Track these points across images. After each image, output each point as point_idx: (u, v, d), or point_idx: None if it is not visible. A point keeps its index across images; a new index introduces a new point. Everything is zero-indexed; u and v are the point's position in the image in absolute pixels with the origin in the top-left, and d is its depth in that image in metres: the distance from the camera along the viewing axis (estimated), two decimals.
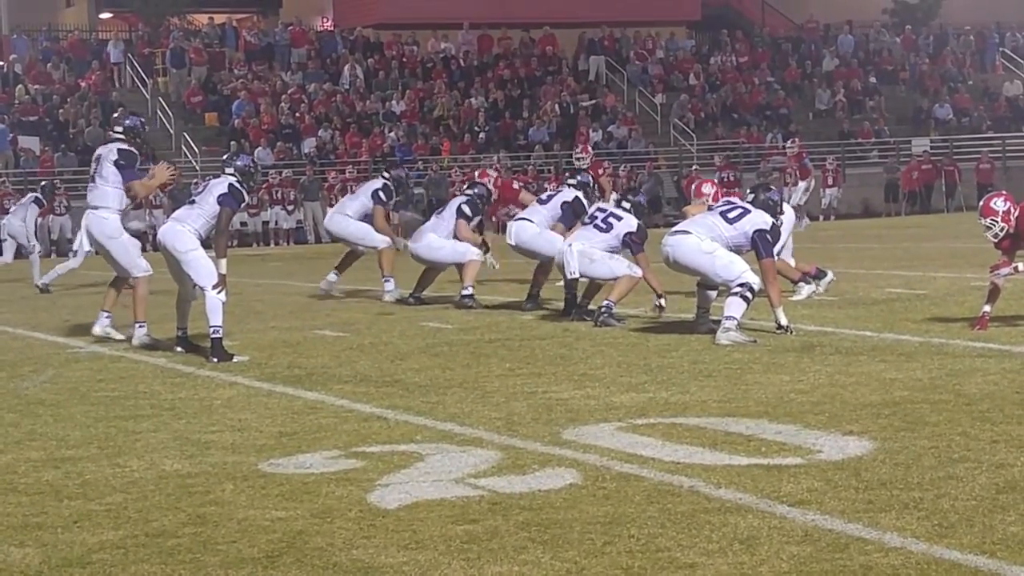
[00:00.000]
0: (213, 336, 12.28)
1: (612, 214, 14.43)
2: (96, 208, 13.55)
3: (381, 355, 12.40)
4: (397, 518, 6.47)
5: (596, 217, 14.58)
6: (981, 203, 12.58)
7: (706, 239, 12.58)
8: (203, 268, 12.44)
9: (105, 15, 56.24)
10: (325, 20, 57.27)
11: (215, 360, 12.14)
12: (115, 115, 14.56)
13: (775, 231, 12.91)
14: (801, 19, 57.50)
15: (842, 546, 5.77)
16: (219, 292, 12.26)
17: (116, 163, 13.45)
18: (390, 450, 8.05)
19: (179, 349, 12.93)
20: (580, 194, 16.27)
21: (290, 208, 41.00)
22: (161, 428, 9.12)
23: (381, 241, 17.94)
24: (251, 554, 5.97)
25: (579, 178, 16.85)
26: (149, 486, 7.36)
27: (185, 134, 43.93)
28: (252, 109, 45.20)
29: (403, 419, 9.12)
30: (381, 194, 18.03)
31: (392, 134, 45.24)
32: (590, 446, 7.98)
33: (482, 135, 47.07)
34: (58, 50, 48.08)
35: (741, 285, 12.35)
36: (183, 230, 12.62)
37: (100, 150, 13.78)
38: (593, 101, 49.26)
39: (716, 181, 20.87)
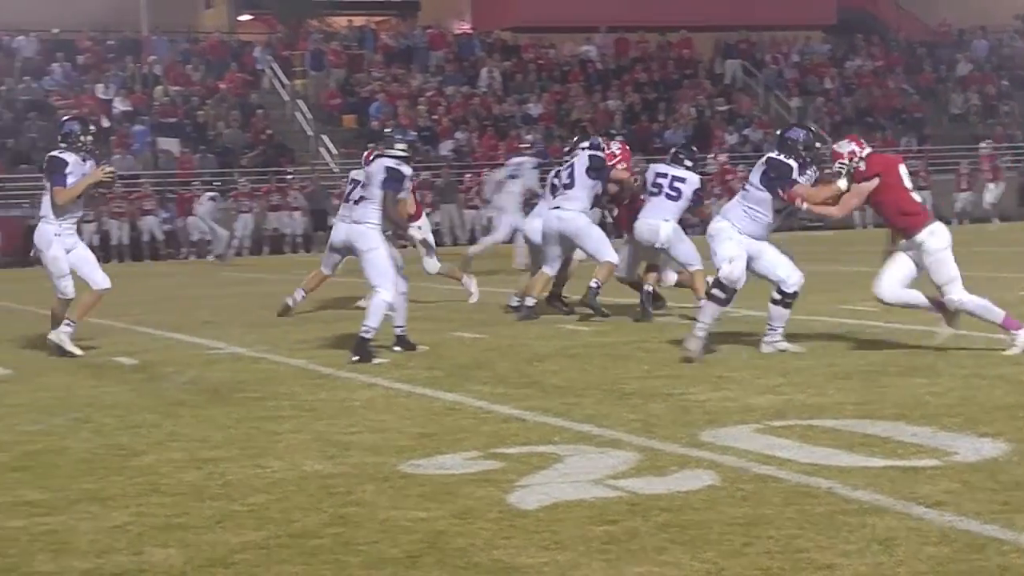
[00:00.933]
0: (362, 334, 12.39)
1: (675, 178, 14.46)
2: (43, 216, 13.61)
3: (519, 357, 12.44)
4: (537, 519, 6.47)
5: (662, 186, 14.57)
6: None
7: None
8: (378, 268, 12.54)
9: (244, 17, 56.98)
10: (463, 23, 57.54)
11: (355, 359, 12.25)
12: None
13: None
14: (934, 23, 56.86)
15: (979, 547, 5.71)
16: (388, 293, 12.43)
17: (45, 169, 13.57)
18: (529, 451, 8.06)
19: (396, 349, 13.06)
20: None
21: (427, 211, 41.23)
22: (302, 429, 9.20)
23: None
24: (393, 554, 6.00)
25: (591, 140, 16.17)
26: (290, 487, 7.42)
27: (323, 136, 44.36)
28: (390, 111, 45.54)
29: (541, 420, 9.13)
30: None
31: (529, 136, 45.34)
32: (728, 448, 7.95)
33: (619, 138, 47.04)
34: (197, 52, 48.77)
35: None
36: (366, 229, 12.71)
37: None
38: (728, 106, 49.07)
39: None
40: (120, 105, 44.54)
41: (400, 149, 12.98)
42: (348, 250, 13.08)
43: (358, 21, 54.75)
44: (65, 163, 13.26)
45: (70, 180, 13.20)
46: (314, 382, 11.39)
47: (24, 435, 9.34)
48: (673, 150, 15.64)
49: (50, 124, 42.36)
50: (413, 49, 50.34)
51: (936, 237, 11.62)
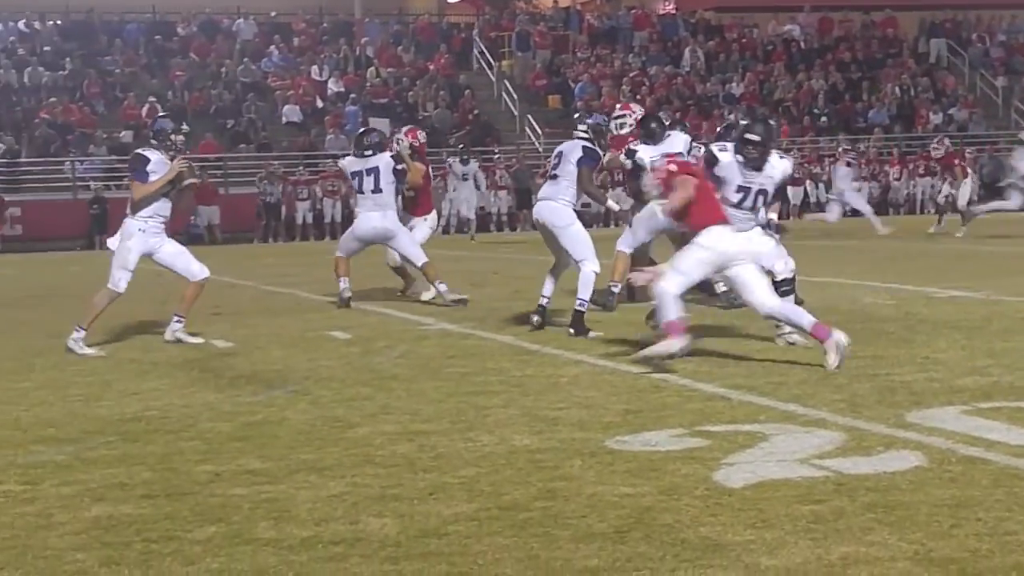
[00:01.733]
0: (577, 308, 12.56)
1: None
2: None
3: (722, 335, 12.45)
4: (743, 497, 6.52)
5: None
6: None
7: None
8: (580, 242, 12.73)
9: None
10: (667, 3, 57.37)
11: (572, 332, 12.42)
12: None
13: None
14: None
15: None
16: (595, 265, 12.57)
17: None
18: (734, 430, 8.10)
19: (535, 319, 13.21)
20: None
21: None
22: (510, 404, 9.34)
23: None
24: (601, 529, 6.07)
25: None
26: (500, 460, 7.54)
27: (529, 116, 44.63)
28: (594, 91, 45.65)
29: (746, 399, 9.16)
30: None
31: (731, 116, 45.08)
32: (935, 429, 7.91)
33: (823, 118, 46.58)
34: (408, 34, 49.36)
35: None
36: (558, 206, 12.92)
37: None
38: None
39: None
40: (334, 86, 45.34)
41: (581, 131, 13.24)
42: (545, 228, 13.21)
43: (564, 2, 54.94)
44: (147, 160, 13.10)
45: (152, 179, 13.07)
46: (521, 358, 11.53)
47: (245, 406, 9.63)
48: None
49: (268, 105, 43.35)
50: (617, 30, 50.34)
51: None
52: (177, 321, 13.47)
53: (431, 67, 46.93)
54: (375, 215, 15.98)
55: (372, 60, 47.00)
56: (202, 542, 6.10)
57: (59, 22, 46.88)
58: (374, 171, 15.91)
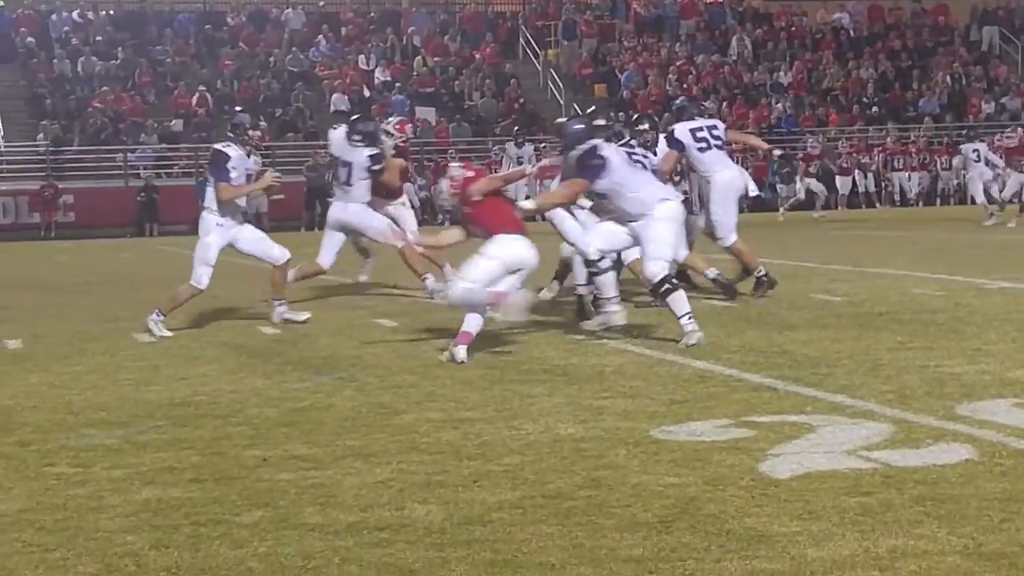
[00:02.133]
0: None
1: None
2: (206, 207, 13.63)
3: (768, 326, 12.41)
4: (789, 488, 6.48)
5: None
6: None
7: None
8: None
9: None
10: None
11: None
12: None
13: None
14: None
15: None
16: None
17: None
18: (780, 420, 8.06)
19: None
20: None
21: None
22: (554, 392, 9.33)
23: None
24: (645, 518, 6.06)
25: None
26: (544, 449, 7.53)
27: (575, 104, 44.56)
28: (640, 80, 45.57)
29: (793, 390, 9.12)
30: None
31: (779, 105, 44.96)
32: (985, 421, 7.84)
33: (873, 107, 46.38)
34: (455, 23, 49.43)
35: None
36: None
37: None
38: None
39: None
40: (381, 75, 45.44)
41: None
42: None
43: None
44: (228, 157, 13.16)
45: (233, 175, 13.17)
46: (566, 347, 11.52)
47: (292, 392, 9.68)
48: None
49: (316, 94, 43.49)
50: (664, 18, 50.24)
51: None
52: (279, 305, 13.74)
53: (477, 56, 46.96)
54: (338, 206, 15.78)
55: (419, 49, 47.09)
56: (249, 526, 6.13)
57: (112, 12, 47.32)
58: (348, 165, 15.63)
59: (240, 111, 13.90)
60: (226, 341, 12.50)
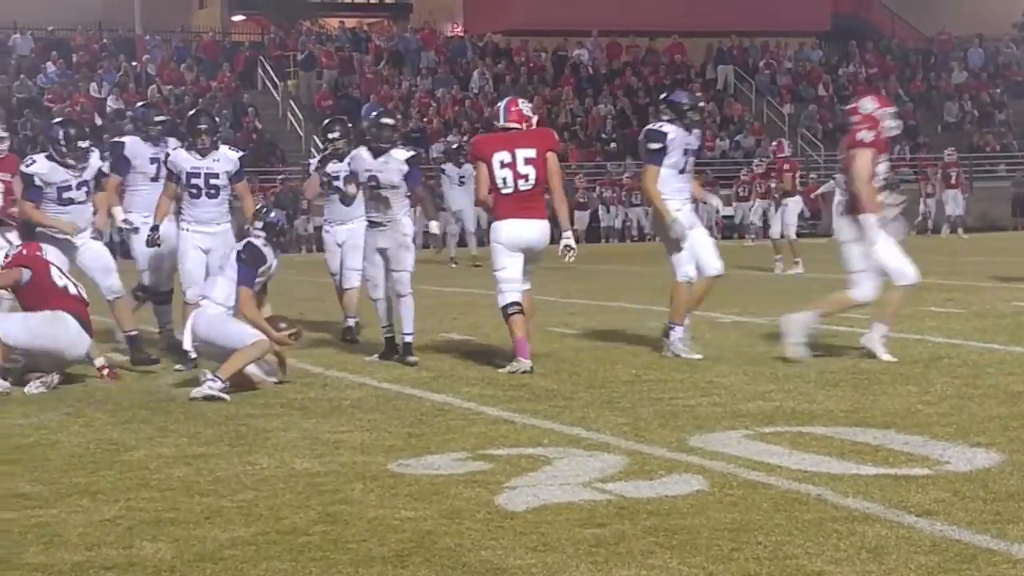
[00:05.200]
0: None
1: None
2: None
3: (506, 359, 12.44)
4: (525, 520, 6.49)
5: None
6: None
7: None
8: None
9: (238, 17, 57.05)
10: (455, 26, 57.67)
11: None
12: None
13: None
14: (931, 31, 57.03)
15: (970, 557, 5.72)
16: None
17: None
18: (517, 453, 8.08)
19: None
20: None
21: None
22: (291, 427, 9.23)
23: None
24: (381, 553, 6.02)
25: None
26: (279, 484, 7.45)
27: (314, 136, 44.40)
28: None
29: (530, 423, 9.15)
30: None
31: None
32: (717, 453, 7.97)
33: (611, 143, 47.21)
34: (191, 51, 48.85)
35: None
36: None
37: None
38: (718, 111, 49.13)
39: None
40: (113, 103, 44.57)
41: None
42: None
43: (350, 23, 54.87)
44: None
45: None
46: (304, 380, 11.40)
47: (15, 428, 9.39)
48: None
49: (44, 122, 42.38)
50: (405, 51, 50.43)
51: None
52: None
53: (214, 85, 46.46)
54: None
55: (153, 78, 46.37)
56: None
57: None
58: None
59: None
60: None
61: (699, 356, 12.18)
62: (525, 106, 12.31)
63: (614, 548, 5.99)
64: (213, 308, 11.09)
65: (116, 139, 13.53)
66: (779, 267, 24.30)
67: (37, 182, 12.20)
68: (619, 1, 54.18)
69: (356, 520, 6.60)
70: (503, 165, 11.85)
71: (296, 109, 45.90)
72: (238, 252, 11.27)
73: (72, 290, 11.50)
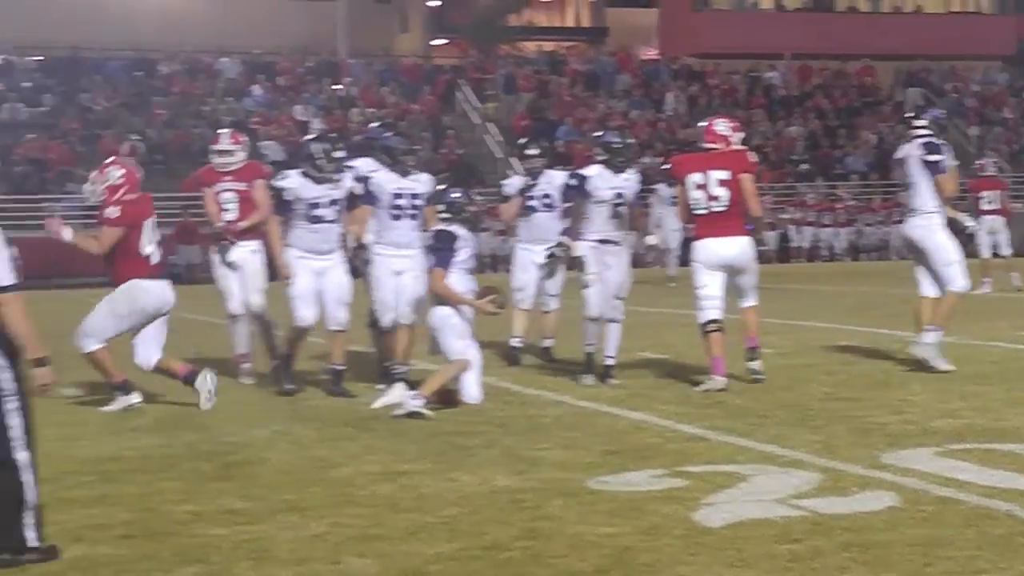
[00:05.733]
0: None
1: None
2: None
3: (702, 377, 12.46)
4: (722, 536, 6.58)
5: None
6: None
7: None
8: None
9: (439, 41, 57.69)
10: (650, 49, 57.72)
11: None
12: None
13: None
14: None
15: None
16: None
17: None
18: (713, 470, 8.16)
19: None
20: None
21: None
22: (492, 444, 9.39)
23: None
24: (582, 568, 6.12)
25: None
26: (482, 500, 7.59)
27: (511, 158, 44.76)
28: (577, 134, 45.86)
29: (725, 440, 9.23)
30: None
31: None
32: (908, 469, 8.00)
33: (802, 164, 46.96)
34: (393, 75, 49.55)
35: None
36: None
37: None
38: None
39: None
40: (317, 126, 45.38)
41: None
42: None
43: (548, 46, 55.21)
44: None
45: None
46: (504, 399, 11.57)
47: (225, 446, 9.66)
48: None
49: (250, 144, 43.27)
50: (600, 74, 50.63)
51: None
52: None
53: (415, 108, 47.07)
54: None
55: (356, 100, 47.11)
56: None
57: (40, 58, 46.70)
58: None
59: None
60: (156, 394, 12.28)
61: (950, 367, 12.25)
62: (723, 126, 12.37)
63: (809, 564, 6.05)
64: (443, 310, 11.34)
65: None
66: (987, 287, 23.79)
67: (287, 196, 12.19)
68: (811, 25, 54.14)
69: (557, 536, 6.71)
70: (697, 187, 11.99)
71: (494, 132, 46.30)
72: (427, 243, 11.53)
73: (154, 259, 11.59)
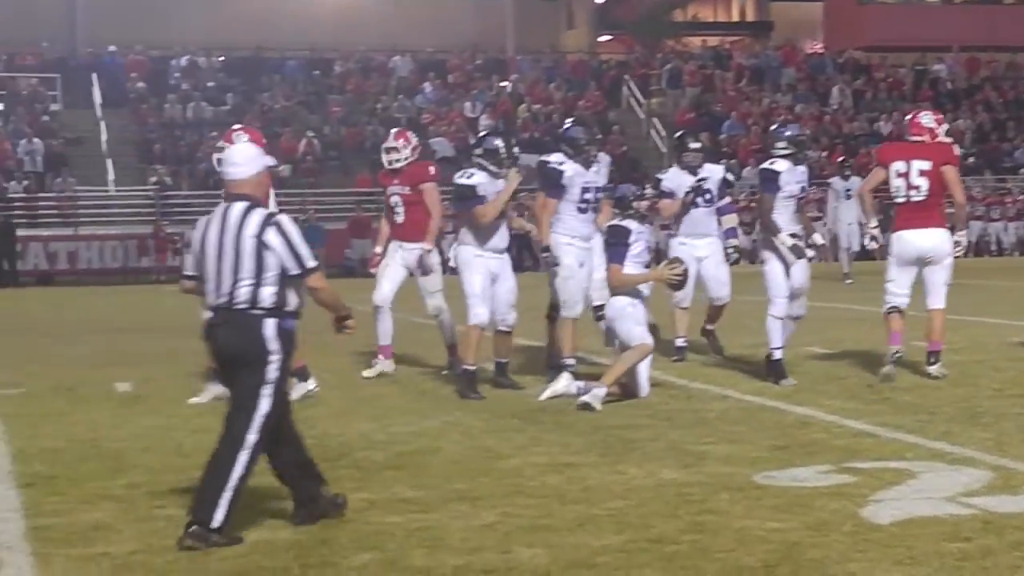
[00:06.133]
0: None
1: None
2: None
3: (869, 372, 12.42)
4: (891, 534, 6.57)
5: None
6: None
7: None
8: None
9: (605, 37, 57.73)
10: (815, 43, 57.21)
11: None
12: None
13: None
14: None
15: None
16: None
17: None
18: (882, 466, 8.13)
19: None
20: None
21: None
22: (658, 437, 9.43)
23: None
24: (749, 563, 6.16)
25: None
26: (648, 493, 7.64)
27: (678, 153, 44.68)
28: (742, 129, 45.66)
29: (894, 436, 9.18)
30: None
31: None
32: None
33: (970, 158, 46.26)
34: (559, 71, 49.77)
35: None
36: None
37: None
38: None
39: None
40: (485, 122, 45.72)
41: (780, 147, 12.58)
42: None
43: (712, 41, 54.98)
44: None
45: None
46: (669, 392, 11.61)
47: (398, 435, 9.83)
48: None
49: (421, 141, 43.72)
50: (765, 68, 50.33)
51: None
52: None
53: (581, 103, 47.19)
54: None
55: (523, 97, 47.38)
56: (358, 568, 6.28)
57: (223, 58, 47.83)
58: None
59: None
60: (332, 385, 12.54)
61: None
62: (928, 118, 12.42)
63: (980, 563, 6.02)
64: (620, 300, 11.40)
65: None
66: None
67: (480, 192, 11.99)
68: (979, 17, 53.25)
69: (723, 530, 6.75)
70: (898, 175, 12.02)
71: (659, 127, 46.25)
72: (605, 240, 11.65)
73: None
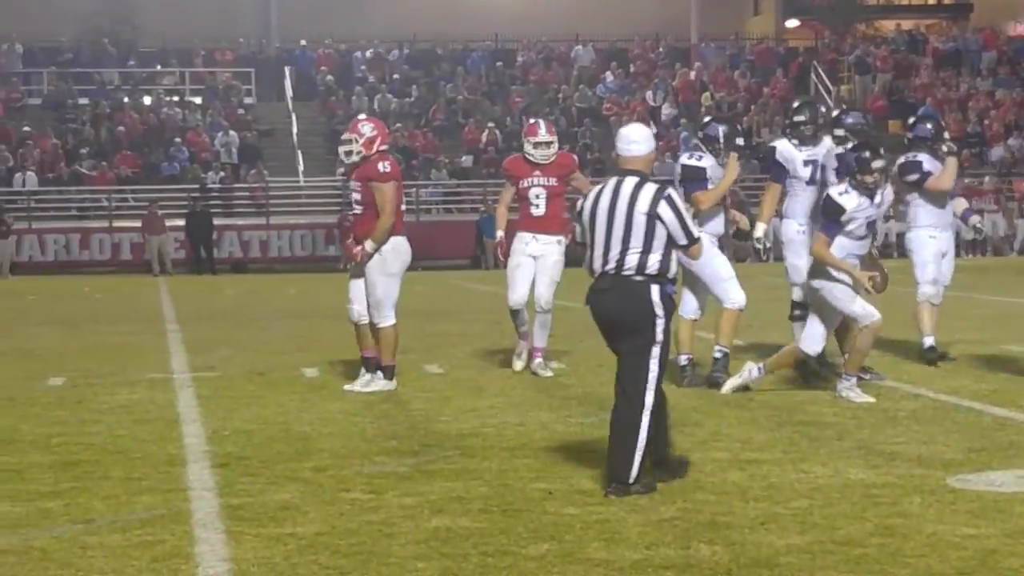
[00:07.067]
0: None
1: None
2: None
3: None
4: None
5: None
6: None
7: None
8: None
9: (792, 23, 57.04)
10: (1018, 24, 55.81)
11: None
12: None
13: None
14: None
15: None
16: None
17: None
18: None
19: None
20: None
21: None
22: (844, 436, 9.19)
23: None
24: (941, 570, 5.93)
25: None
26: (834, 493, 7.43)
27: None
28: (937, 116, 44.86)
29: None
30: None
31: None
32: None
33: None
34: (744, 58, 49.35)
35: None
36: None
37: None
38: None
39: None
40: (667, 111, 45.50)
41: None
42: None
43: (906, 24, 53.94)
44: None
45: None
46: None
47: (577, 426, 9.76)
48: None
49: (602, 130, 43.73)
50: (963, 52, 49.25)
51: None
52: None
53: (766, 91, 46.69)
54: None
55: (707, 84, 47.05)
56: (536, 558, 6.21)
57: (407, 50, 48.40)
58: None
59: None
60: (512, 374, 12.56)
61: None
62: None
63: None
64: (822, 282, 10.71)
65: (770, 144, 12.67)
66: None
67: (709, 175, 11.75)
68: None
69: (914, 534, 6.52)
70: None
71: None
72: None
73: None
